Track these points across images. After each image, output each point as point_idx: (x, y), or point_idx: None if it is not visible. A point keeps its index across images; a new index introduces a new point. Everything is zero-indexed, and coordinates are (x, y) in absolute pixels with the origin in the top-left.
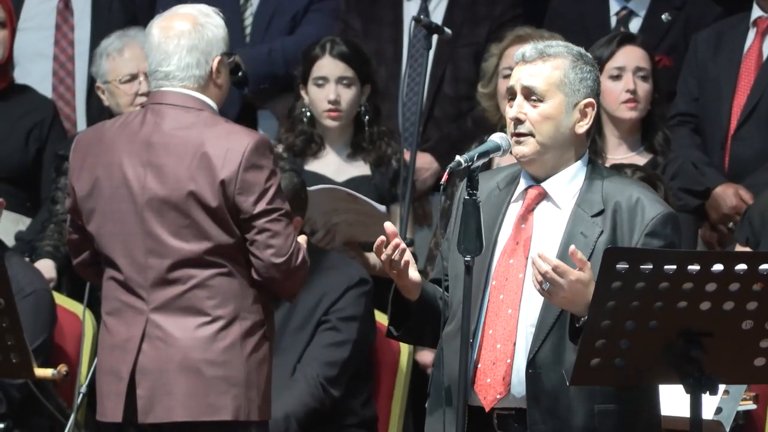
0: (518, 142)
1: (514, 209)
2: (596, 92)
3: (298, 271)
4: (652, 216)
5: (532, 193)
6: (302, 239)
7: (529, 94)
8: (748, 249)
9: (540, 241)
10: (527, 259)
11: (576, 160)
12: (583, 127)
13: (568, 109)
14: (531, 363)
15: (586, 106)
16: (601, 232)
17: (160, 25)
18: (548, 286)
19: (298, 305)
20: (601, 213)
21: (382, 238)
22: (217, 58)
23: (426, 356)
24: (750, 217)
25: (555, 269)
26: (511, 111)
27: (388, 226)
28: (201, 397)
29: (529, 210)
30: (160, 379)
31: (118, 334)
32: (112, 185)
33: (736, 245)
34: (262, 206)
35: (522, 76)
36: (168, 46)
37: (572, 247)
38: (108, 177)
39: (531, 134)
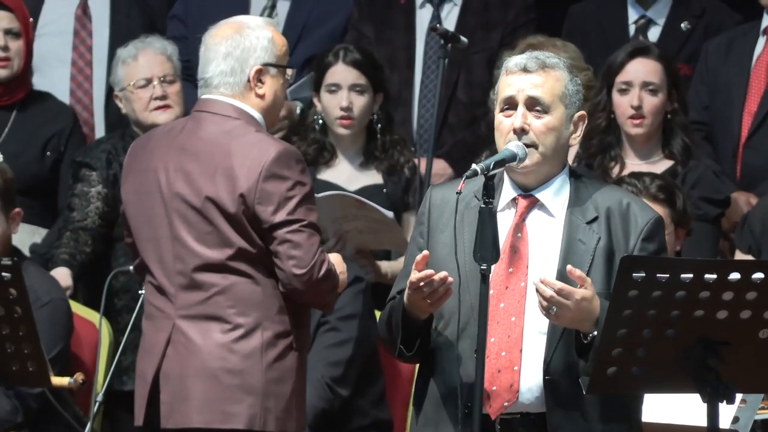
0: None
1: (504, 218)
2: (582, 104)
3: (321, 282)
4: (646, 221)
5: (523, 202)
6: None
7: (533, 104)
8: (750, 257)
9: (538, 250)
10: (527, 267)
11: (562, 169)
12: (576, 140)
13: (566, 121)
14: (547, 369)
15: (579, 118)
16: (599, 238)
17: (210, 32)
18: (555, 310)
19: None
20: (595, 219)
21: (428, 272)
22: (256, 67)
23: None
24: (750, 224)
25: (559, 292)
26: (512, 120)
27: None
28: (216, 405)
29: (522, 219)
30: (180, 385)
31: (148, 337)
32: (149, 190)
33: (737, 253)
34: (282, 216)
35: (525, 86)
36: (209, 53)
37: (569, 266)
38: (146, 182)
39: (534, 145)
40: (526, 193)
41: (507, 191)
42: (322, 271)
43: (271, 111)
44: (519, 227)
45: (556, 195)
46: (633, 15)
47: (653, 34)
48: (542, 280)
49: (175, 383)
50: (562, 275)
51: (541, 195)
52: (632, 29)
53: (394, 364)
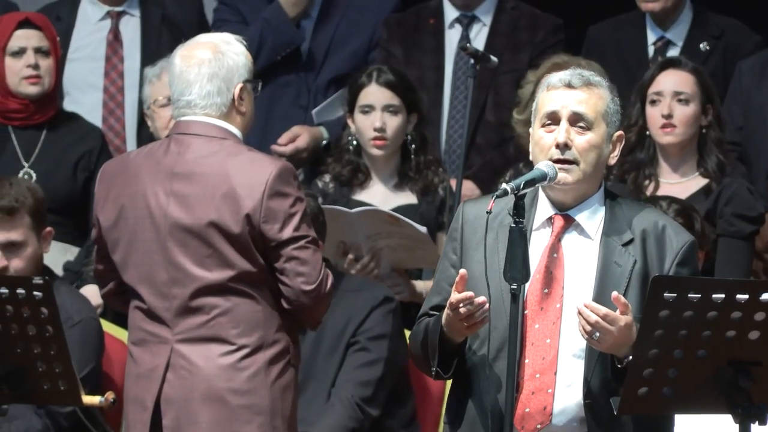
0: (562, 169)
1: (539, 237)
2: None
3: (327, 297)
4: (681, 244)
5: (560, 221)
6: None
7: (576, 120)
8: None
9: (574, 271)
10: (563, 289)
11: (598, 189)
12: (614, 159)
13: (607, 139)
14: (588, 393)
15: (618, 138)
16: (635, 261)
17: (182, 54)
18: (598, 335)
19: (326, 331)
20: (631, 242)
21: (467, 294)
22: (239, 86)
23: None
24: None
25: (605, 317)
26: (555, 135)
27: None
28: (226, 426)
29: (558, 239)
30: (185, 409)
31: (143, 363)
32: (137, 215)
33: None
34: (288, 233)
35: (569, 102)
36: (189, 75)
37: (615, 293)
38: (132, 207)
39: (575, 162)
40: (563, 212)
41: (543, 209)
42: (328, 285)
43: (248, 126)
44: (555, 248)
45: (592, 215)
46: (652, 36)
47: (672, 55)
48: (587, 305)
49: (179, 407)
50: (599, 298)
51: (578, 215)
52: (651, 50)
53: (425, 384)
